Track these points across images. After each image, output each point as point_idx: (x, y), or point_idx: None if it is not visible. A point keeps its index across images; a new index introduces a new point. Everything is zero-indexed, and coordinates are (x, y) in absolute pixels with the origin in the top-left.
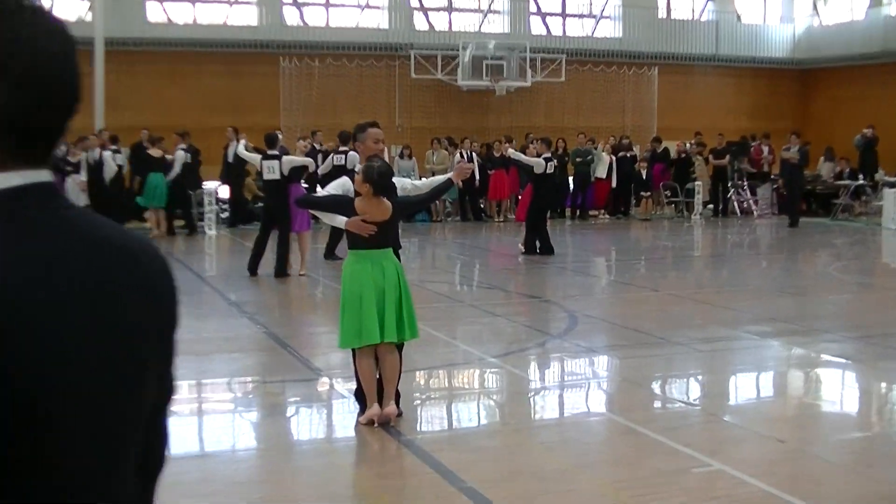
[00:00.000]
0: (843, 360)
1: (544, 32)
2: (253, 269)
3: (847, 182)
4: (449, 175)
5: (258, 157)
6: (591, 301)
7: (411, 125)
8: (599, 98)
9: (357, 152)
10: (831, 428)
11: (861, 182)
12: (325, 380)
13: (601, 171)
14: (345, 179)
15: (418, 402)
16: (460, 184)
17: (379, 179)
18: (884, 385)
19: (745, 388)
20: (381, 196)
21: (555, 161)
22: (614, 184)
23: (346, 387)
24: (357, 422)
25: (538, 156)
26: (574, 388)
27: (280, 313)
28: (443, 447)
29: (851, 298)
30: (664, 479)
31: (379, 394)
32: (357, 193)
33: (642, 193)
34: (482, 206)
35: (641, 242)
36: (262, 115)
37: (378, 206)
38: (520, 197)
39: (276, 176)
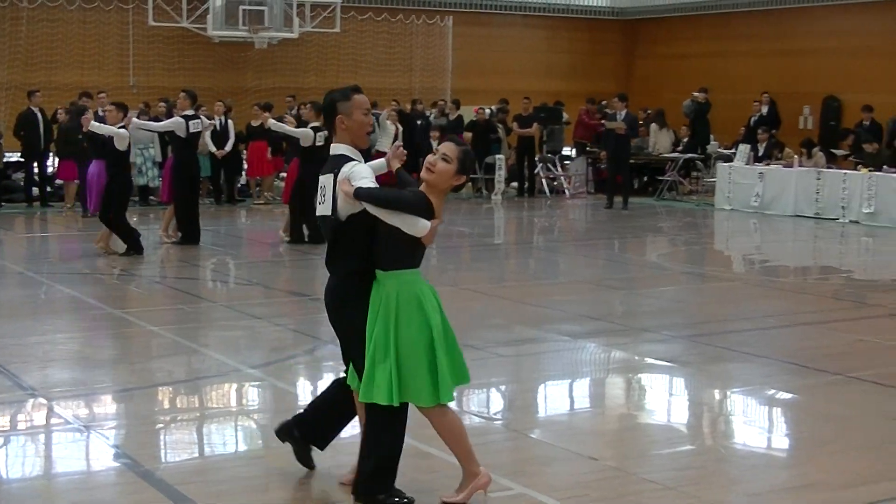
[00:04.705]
0: (669, 364)
1: None
2: None
3: (674, 155)
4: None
5: None
6: None
7: (149, 83)
8: (382, 54)
9: (333, 130)
10: (653, 442)
11: (691, 155)
12: (42, 401)
13: (384, 143)
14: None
15: (161, 424)
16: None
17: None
18: (714, 391)
19: (555, 398)
20: None
21: (325, 131)
22: None
23: (71, 411)
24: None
25: (306, 124)
26: None
27: None
28: (191, 478)
29: (679, 291)
30: None
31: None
32: (383, 180)
33: None
34: (240, 184)
35: None
36: None
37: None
38: (284, 174)
39: None
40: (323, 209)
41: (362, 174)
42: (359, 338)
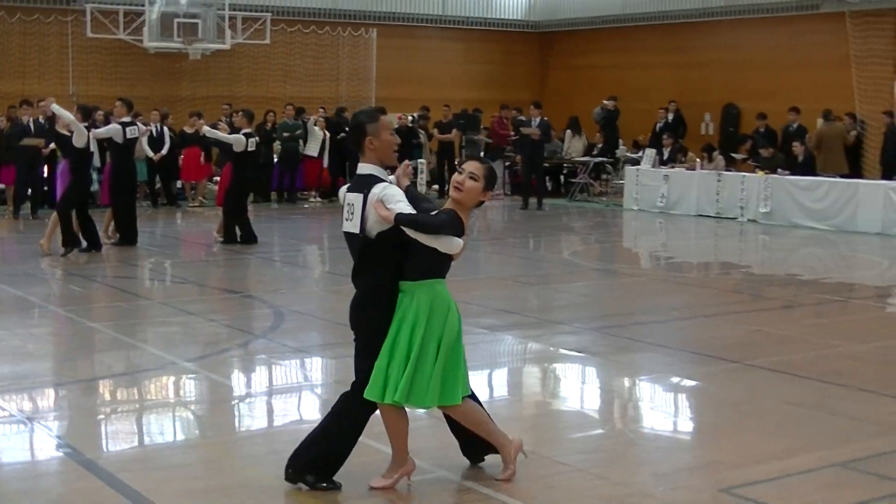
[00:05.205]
0: (580, 354)
1: None
2: None
3: (585, 159)
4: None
5: None
6: (300, 295)
7: (88, 92)
8: (310, 64)
9: (361, 150)
10: (566, 427)
11: (601, 159)
12: None
13: (313, 149)
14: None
15: (101, 416)
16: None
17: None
18: (622, 379)
19: (474, 387)
20: None
21: (256, 137)
22: (326, 162)
23: (15, 403)
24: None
25: (237, 131)
26: (282, 393)
27: None
28: (130, 467)
29: (590, 287)
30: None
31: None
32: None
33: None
34: (175, 188)
35: None
36: None
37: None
38: (217, 178)
39: None
40: (351, 227)
41: (396, 197)
42: (378, 344)
